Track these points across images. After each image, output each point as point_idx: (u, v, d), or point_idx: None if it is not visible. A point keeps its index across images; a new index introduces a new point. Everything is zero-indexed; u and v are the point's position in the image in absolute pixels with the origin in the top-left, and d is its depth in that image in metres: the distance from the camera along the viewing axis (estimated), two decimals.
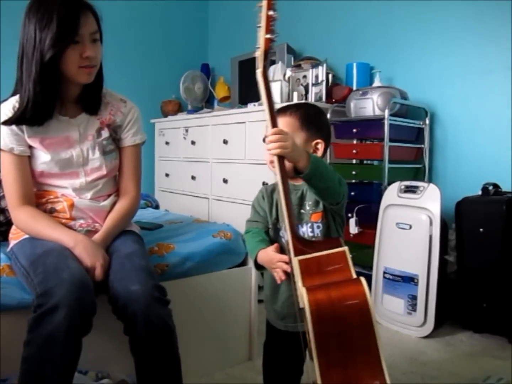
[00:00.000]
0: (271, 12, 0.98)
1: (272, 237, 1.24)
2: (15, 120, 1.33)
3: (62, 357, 1.07)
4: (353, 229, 2.39)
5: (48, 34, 1.24)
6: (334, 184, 1.11)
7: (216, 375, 1.69)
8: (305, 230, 1.20)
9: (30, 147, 1.38)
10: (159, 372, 1.20)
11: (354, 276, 0.98)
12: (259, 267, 1.20)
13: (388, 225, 2.25)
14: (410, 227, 2.16)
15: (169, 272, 1.55)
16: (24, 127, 1.35)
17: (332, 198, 1.14)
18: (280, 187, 1.01)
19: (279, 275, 1.10)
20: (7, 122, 1.33)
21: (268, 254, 1.14)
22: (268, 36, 0.98)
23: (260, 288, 2.00)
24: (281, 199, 1.01)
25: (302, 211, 1.21)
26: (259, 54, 1.01)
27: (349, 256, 0.99)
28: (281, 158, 1.01)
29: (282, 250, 1.19)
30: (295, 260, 0.98)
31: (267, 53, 1.01)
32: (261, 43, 1.00)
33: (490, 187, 2.17)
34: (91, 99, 1.43)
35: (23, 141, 1.36)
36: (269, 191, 1.28)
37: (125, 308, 1.17)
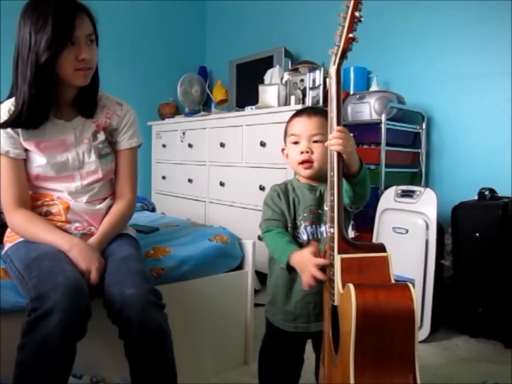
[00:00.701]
0: (357, 13, 1.01)
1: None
2: (11, 123, 1.32)
3: (57, 362, 1.06)
4: (350, 233, 2.39)
5: (44, 37, 1.24)
6: (369, 192, 1.17)
7: (212, 379, 1.68)
8: (323, 230, 1.21)
9: (26, 150, 1.37)
10: (154, 376, 1.19)
11: (393, 281, 0.99)
12: (290, 268, 1.15)
13: (385, 229, 2.25)
14: (406, 232, 2.16)
15: (165, 275, 1.54)
16: (19, 130, 1.34)
17: (361, 203, 1.19)
18: (335, 184, 1.03)
19: (309, 280, 1.07)
20: (2, 125, 1.32)
21: (304, 257, 1.09)
22: (351, 35, 1.02)
23: (256, 292, 2.00)
24: (334, 195, 1.03)
25: (320, 211, 1.22)
26: (336, 51, 1.04)
27: (391, 262, 1.00)
28: (339, 155, 1.04)
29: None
30: (337, 257, 1.00)
31: (345, 51, 1.05)
32: (342, 42, 1.03)
33: (486, 192, 2.18)
34: (87, 102, 1.43)
35: (18, 144, 1.35)
36: (283, 190, 1.26)
37: (120, 312, 1.17)
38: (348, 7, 1.01)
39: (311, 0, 3.23)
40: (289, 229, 1.23)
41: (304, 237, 1.21)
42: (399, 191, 2.26)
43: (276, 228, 1.21)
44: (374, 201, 2.35)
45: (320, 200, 1.22)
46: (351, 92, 2.74)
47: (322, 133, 1.19)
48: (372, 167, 2.64)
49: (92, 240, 1.35)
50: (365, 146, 2.67)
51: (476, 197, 2.19)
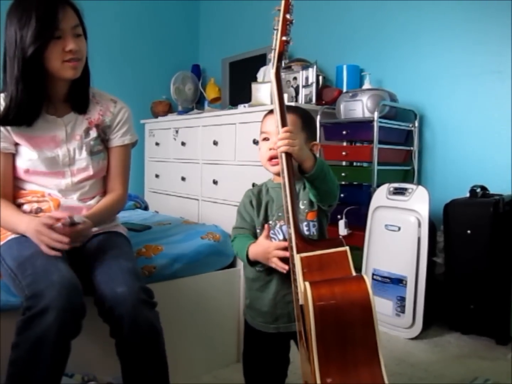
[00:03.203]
0: (288, 16, 1.03)
1: None
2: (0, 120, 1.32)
3: (51, 360, 1.06)
4: (343, 230, 2.40)
5: (29, 31, 1.24)
6: (334, 187, 1.15)
7: (204, 378, 1.68)
8: (301, 229, 1.20)
9: (17, 144, 1.37)
10: (146, 375, 1.19)
11: (354, 274, 1.00)
12: (252, 263, 1.18)
13: (377, 227, 2.25)
14: (398, 229, 2.17)
15: (157, 274, 1.54)
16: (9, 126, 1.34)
17: (329, 200, 1.18)
18: (287, 185, 1.04)
19: (279, 265, 1.10)
20: None
21: (262, 244, 1.14)
22: (284, 38, 1.04)
23: None
24: (287, 196, 1.04)
25: None
26: (274, 55, 1.06)
27: (350, 256, 1.01)
28: (288, 156, 1.05)
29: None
30: (297, 257, 1.00)
31: (281, 54, 1.06)
32: (276, 45, 1.05)
33: (478, 190, 2.19)
34: (78, 97, 1.42)
35: (8, 138, 1.35)
36: (256, 193, 1.27)
37: (112, 310, 1.16)
38: (279, 10, 1.03)
39: None
40: (258, 231, 1.23)
41: (280, 236, 1.21)
42: (392, 189, 2.26)
43: (242, 235, 1.24)
44: (366, 199, 2.36)
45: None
46: (344, 90, 2.75)
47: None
48: (365, 164, 2.65)
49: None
50: (357, 144, 2.69)
51: (467, 195, 2.20)
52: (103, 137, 1.48)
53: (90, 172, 1.44)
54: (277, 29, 1.04)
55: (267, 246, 1.13)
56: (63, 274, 1.14)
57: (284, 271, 1.10)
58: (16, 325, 1.07)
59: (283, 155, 1.05)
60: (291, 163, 1.05)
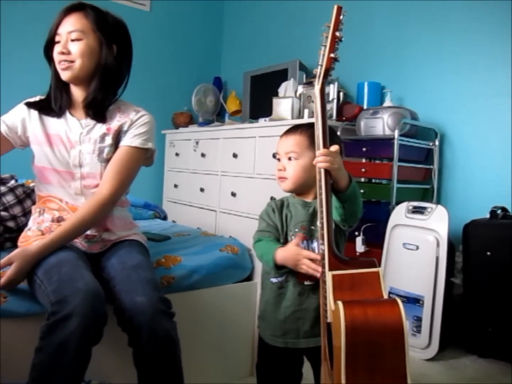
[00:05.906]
0: (337, 33, 1.04)
1: None
2: (31, 103, 1.46)
3: (73, 365, 1.08)
4: (360, 247, 2.39)
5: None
6: (360, 209, 1.17)
7: None
8: (315, 247, 1.22)
9: (33, 142, 1.45)
10: None
11: (385, 296, 1.00)
12: (277, 267, 1.19)
13: (395, 245, 2.24)
14: (417, 248, 2.16)
15: (175, 284, 1.55)
16: (33, 118, 1.45)
17: (352, 221, 1.19)
18: (324, 201, 1.05)
19: (312, 267, 1.10)
20: (27, 103, 1.47)
21: (291, 250, 1.14)
22: (332, 55, 1.05)
23: None
24: (324, 212, 1.04)
25: (313, 227, 1.23)
26: (319, 71, 1.07)
27: (382, 277, 1.02)
28: (327, 172, 1.06)
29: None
30: (328, 274, 1.01)
31: (328, 71, 1.07)
32: (324, 61, 1.06)
33: (499, 211, 2.17)
34: (91, 105, 1.45)
35: (20, 128, 1.45)
36: (278, 206, 1.29)
37: (131, 320, 1.18)
38: (329, 27, 1.04)
39: (326, 14, 3.25)
40: (280, 242, 1.24)
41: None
42: (411, 207, 2.25)
43: (267, 238, 1.25)
44: (385, 217, 2.35)
45: (313, 216, 1.23)
46: (365, 107, 2.76)
47: (296, 151, 1.24)
48: (384, 182, 2.65)
49: (37, 244, 1.29)
50: (377, 161, 2.68)
51: (488, 216, 2.18)
52: (118, 144, 1.47)
53: (98, 179, 1.44)
54: (325, 46, 1.05)
55: (298, 253, 1.14)
56: (87, 281, 1.17)
57: (317, 275, 1.09)
58: (40, 329, 1.10)
59: (322, 171, 1.06)
60: (329, 180, 1.06)
